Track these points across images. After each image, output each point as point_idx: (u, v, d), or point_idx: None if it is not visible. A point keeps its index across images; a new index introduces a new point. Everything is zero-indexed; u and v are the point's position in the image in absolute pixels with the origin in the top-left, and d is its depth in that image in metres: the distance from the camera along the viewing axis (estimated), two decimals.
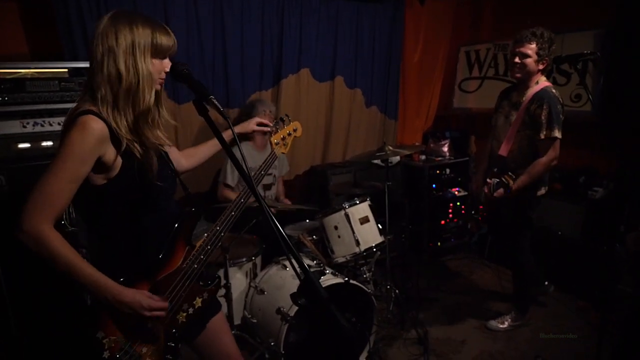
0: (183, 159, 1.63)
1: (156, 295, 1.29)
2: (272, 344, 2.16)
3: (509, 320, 2.81)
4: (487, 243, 3.89)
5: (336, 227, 2.64)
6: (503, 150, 2.55)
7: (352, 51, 3.74)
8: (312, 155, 3.80)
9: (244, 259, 2.53)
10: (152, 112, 1.27)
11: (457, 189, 3.98)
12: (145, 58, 1.20)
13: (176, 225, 1.37)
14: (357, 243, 2.58)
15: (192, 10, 2.95)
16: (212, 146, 1.69)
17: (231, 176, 2.95)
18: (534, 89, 2.43)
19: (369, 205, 2.72)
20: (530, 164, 2.46)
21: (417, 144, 4.33)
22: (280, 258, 2.54)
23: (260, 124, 1.77)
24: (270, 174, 3.03)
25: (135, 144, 1.23)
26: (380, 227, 2.73)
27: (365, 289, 2.34)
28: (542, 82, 2.43)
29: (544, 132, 2.35)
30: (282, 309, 2.16)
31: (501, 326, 2.80)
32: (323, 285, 2.14)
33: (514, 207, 2.57)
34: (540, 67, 2.41)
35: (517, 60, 2.43)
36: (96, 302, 1.20)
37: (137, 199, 1.27)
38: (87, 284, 1.16)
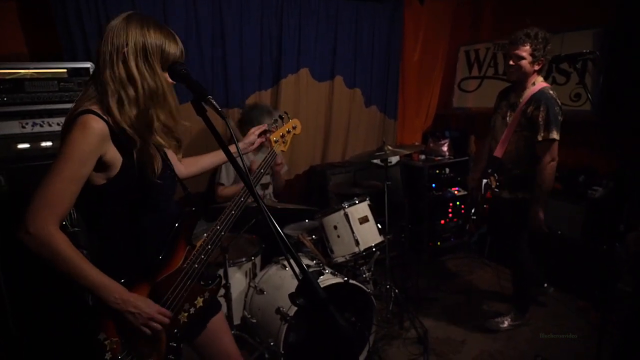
0: (182, 166, 1.64)
1: (157, 296, 1.29)
2: (272, 343, 2.17)
3: (509, 320, 2.81)
4: (486, 243, 3.89)
5: (335, 227, 2.64)
6: (498, 152, 2.55)
7: (352, 51, 3.74)
8: (311, 155, 3.80)
9: (244, 259, 2.54)
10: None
11: (456, 188, 3.98)
12: (157, 65, 1.21)
13: (176, 225, 1.36)
14: (357, 243, 2.58)
15: (192, 11, 2.95)
16: (214, 156, 1.69)
17: (226, 176, 2.94)
18: (531, 90, 2.42)
19: (369, 205, 2.72)
20: (526, 164, 2.46)
21: (416, 143, 4.33)
22: (280, 258, 2.54)
23: (260, 134, 1.75)
24: (269, 173, 3.03)
25: (142, 144, 1.23)
26: (380, 226, 2.73)
27: (365, 288, 2.34)
28: (539, 83, 2.43)
29: (542, 134, 2.35)
30: (281, 308, 2.16)
31: (501, 326, 2.80)
32: (322, 285, 2.16)
33: (513, 208, 2.57)
34: (536, 67, 2.41)
35: (512, 62, 2.44)
36: (98, 304, 1.19)
37: (137, 199, 1.27)
38: (92, 286, 1.16)
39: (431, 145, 4.07)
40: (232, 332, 2.28)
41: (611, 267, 2.72)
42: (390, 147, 2.85)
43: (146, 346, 1.30)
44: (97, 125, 1.15)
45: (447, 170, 3.96)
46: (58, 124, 2.18)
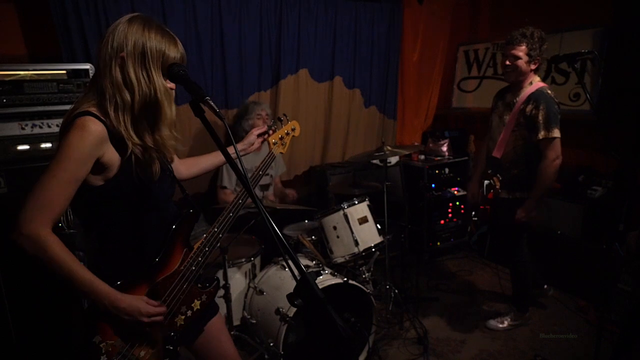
0: (182, 167, 1.63)
1: (154, 299, 1.28)
2: (271, 344, 2.17)
3: (509, 319, 2.81)
4: (486, 242, 3.89)
5: (335, 228, 2.64)
6: (497, 152, 2.55)
7: (351, 51, 3.74)
8: (311, 155, 3.80)
9: (243, 260, 2.54)
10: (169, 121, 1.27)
11: (456, 188, 3.98)
12: (157, 70, 1.20)
13: (173, 227, 1.35)
14: (356, 243, 2.58)
15: (191, 12, 2.96)
16: (215, 157, 1.68)
17: (228, 178, 2.95)
18: (528, 89, 2.43)
19: (368, 206, 2.72)
20: (524, 164, 2.47)
21: (416, 143, 4.33)
22: (280, 258, 2.54)
23: (260, 134, 1.73)
24: (267, 174, 3.04)
25: (139, 147, 1.22)
26: (379, 227, 2.73)
27: (364, 289, 2.34)
28: (537, 82, 2.43)
29: (542, 133, 2.35)
30: (281, 309, 2.16)
31: (501, 326, 2.80)
32: (322, 286, 2.16)
33: (511, 208, 2.57)
34: (533, 67, 2.41)
35: (508, 62, 2.45)
36: (93, 306, 1.19)
37: (135, 200, 1.26)
38: (85, 290, 1.15)
39: (431, 145, 4.07)
40: (232, 332, 2.29)
41: (611, 267, 2.72)
42: (389, 148, 2.86)
43: (142, 349, 1.28)
44: (95, 127, 1.14)
45: (447, 170, 3.96)
46: (57, 126, 2.18)
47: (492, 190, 2.52)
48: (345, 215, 2.61)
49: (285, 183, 3.51)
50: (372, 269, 2.78)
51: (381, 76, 3.99)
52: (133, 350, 1.27)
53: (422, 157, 4.03)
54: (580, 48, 3.04)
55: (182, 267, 1.36)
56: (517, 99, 2.46)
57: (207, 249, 1.40)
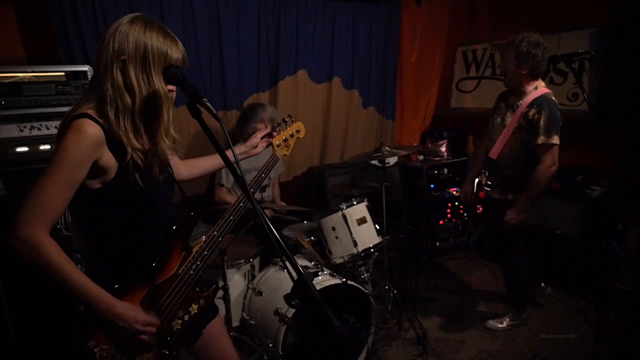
0: (183, 168, 1.62)
1: (151, 303, 1.27)
2: (270, 345, 2.17)
3: (508, 320, 2.81)
4: (485, 243, 3.90)
5: (334, 228, 2.65)
6: (494, 153, 2.56)
7: (349, 52, 3.74)
8: (310, 156, 3.80)
9: (242, 261, 2.54)
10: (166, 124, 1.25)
11: (455, 189, 3.98)
12: (158, 72, 1.18)
13: (172, 229, 1.33)
14: (355, 244, 2.58)
15: (189, 13, 2.96)
16: (215, 159, 1.66)
17: (226, 178, 2.95)
18: (533, 94, 2.42)
19: (367, 206, 2.72)
20: (520, 166, 2.47)
21: (414, 144, 4.34)
22: (279, 259, 2.54)
23: (263, 136, 1.71)
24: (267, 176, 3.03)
25: (138, 152, 1.20)
26: (378, 227, 2.74)
27: (363, 289, 2.34)
28: (541, 88, 2.43)
29: (542, 138, 2.35)
30: (280, 310, 2.17)
31: (500, 326, 2.80)
32: (321, 286, 2.16)
33: (502, 208, 2.56)
34: (524, 71, 2.39)
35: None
36: (88, 311, 1.17)
37: (134, 203, 1.25)
38: (81, 294, 1.13)
39: (429, 145, 4.07)
40: (231, 334, 2.29)
41: (610, 266, 2.73)
42: (388, 148, 2.86)
43: (137, 354, 1.27)
44: (91, 130, 1.13)
45: (446, 170, 3.97)
46: (56, 127, 2.15)
47: (482, 190, 2.52)
48: (344, 216, 2.61)
49: (284, 184, 3.52)
50: (371, 270, 2.78)
51: (379, 77, 3.99)
52: (127, 355, 1.25)
53: (421, 157, 4.03)
54: (578, 48, 3.05)
55: (180, 271, 1.35)
56: (521, 102, 2.45)
57: (206, 252, 1.38)
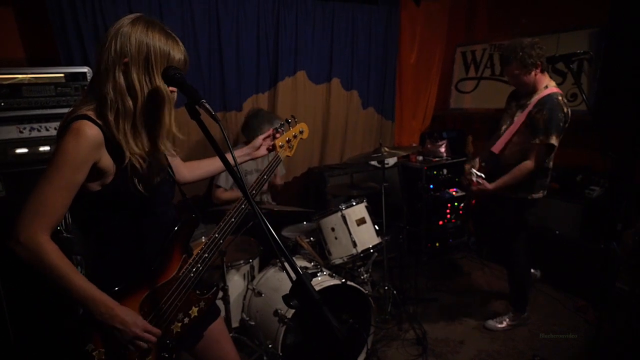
0: (185, 170, 1.61)
1: (151, 306, 1.26)
2: (270, 346, 2.17)
3: (507, 320, 2.81)
4: (485, 243, 3.90)
5: (333, 229, 2.65)
6: (496, 147, 2.55)
7: (349, 53, 3.74)
8: (309, 157, 3.81)
9: (242, 262, 2.54)
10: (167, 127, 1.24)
11: (454, 189, 3.98)
12: (159, 73, 1.17)
13: (173, 232, 1.33)
14: (354, 244, 2.59)
15: (188, 14, 2.96)
16: (217, 161, 1.64)
17: (225, 179, 2.95)
18: (542, 93, 2.42)
19: (366, 207, 2.73)
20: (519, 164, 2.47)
21: (414, 144, 4.34)
22: (278, 260, 2.54)
23: (265, 139, 1.70)
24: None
25: (137, 156, 1.19)
26: (378, 228, 2.74)
27: (363, 290, 2.35)
28: (551, 87, 2.43)
29: (540, 138, 2.35)
30: (279, 311, 2.17)
31: (499, 326, 2.80)
32: (320, 287, 2.16)
33: (499, 204, 2.56)
34: (534, 74, 2.40)
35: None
36: (88, 314, 1.17)
37: (134, 205, 1.25)
38: (81, 297, 1.13)
39: (429, 146, 4.07)
40: (230, 334, 2.29)
41: (609, 266, 2.73)
42: (387, 149, 2.86)
43: (135, 358, 1.26)
44: (91, 132, 1.12)
45: (445, 171, 3.97)
46: (55, 129, 2.13)
47: (472, 178, 2.52)
48: (343, 217, 2.62)
49: (284, 184, 3.51)
50: (370, 270, 2.78)
51: (379, 78, 3.99)
52: (126, 358, 1.24)
53: (420, 158, 4.03)
54: (577, 48, 3.05)
55: (181, 274, 1.34)
56: (530, 100, 2.46)
57: (207, 255, 1.38)
